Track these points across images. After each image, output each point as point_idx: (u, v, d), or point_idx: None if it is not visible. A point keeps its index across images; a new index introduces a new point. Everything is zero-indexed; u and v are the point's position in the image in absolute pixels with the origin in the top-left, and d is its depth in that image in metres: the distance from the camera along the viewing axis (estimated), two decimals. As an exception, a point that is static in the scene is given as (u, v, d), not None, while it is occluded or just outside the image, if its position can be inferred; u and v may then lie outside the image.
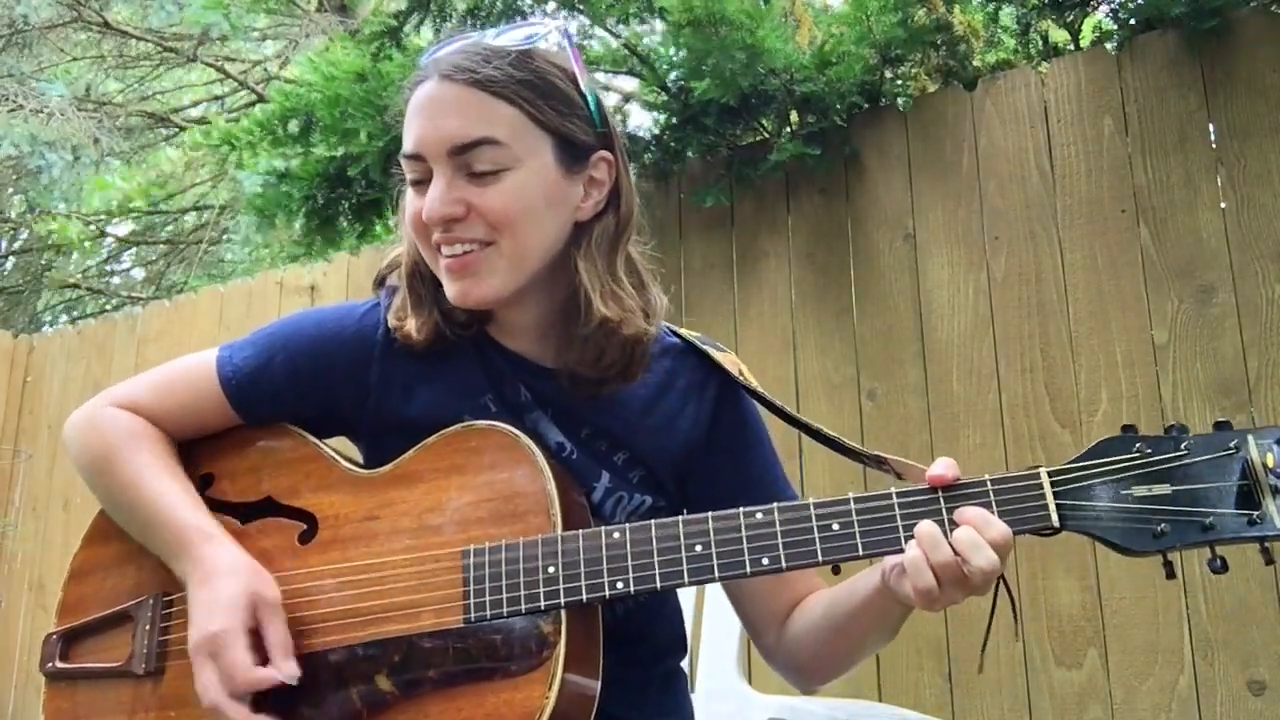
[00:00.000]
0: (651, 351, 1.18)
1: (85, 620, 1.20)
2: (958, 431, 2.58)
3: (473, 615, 1.03)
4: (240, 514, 1.19)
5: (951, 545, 0.95)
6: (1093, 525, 0.95)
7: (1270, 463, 0.92)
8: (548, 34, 1.14)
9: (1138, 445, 0.96)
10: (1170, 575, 0.95)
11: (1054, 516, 0.96)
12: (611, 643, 1.07)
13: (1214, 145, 2.45)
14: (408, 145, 1.12)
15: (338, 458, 1.19)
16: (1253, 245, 2.36)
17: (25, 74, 6.31)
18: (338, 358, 1.20)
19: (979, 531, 0.95)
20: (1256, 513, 0.91)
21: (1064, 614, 2.38)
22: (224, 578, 1.08)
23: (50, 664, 1.20)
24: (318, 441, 1.20)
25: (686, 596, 2.09)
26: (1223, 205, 2.41)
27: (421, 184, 1.12)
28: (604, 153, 1.17)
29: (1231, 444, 0.94)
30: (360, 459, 1.23)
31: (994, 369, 2.58)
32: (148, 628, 1.15)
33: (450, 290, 1.12)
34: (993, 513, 0.97)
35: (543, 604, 1.02)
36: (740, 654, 2.07)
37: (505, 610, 1.03)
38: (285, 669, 1.05)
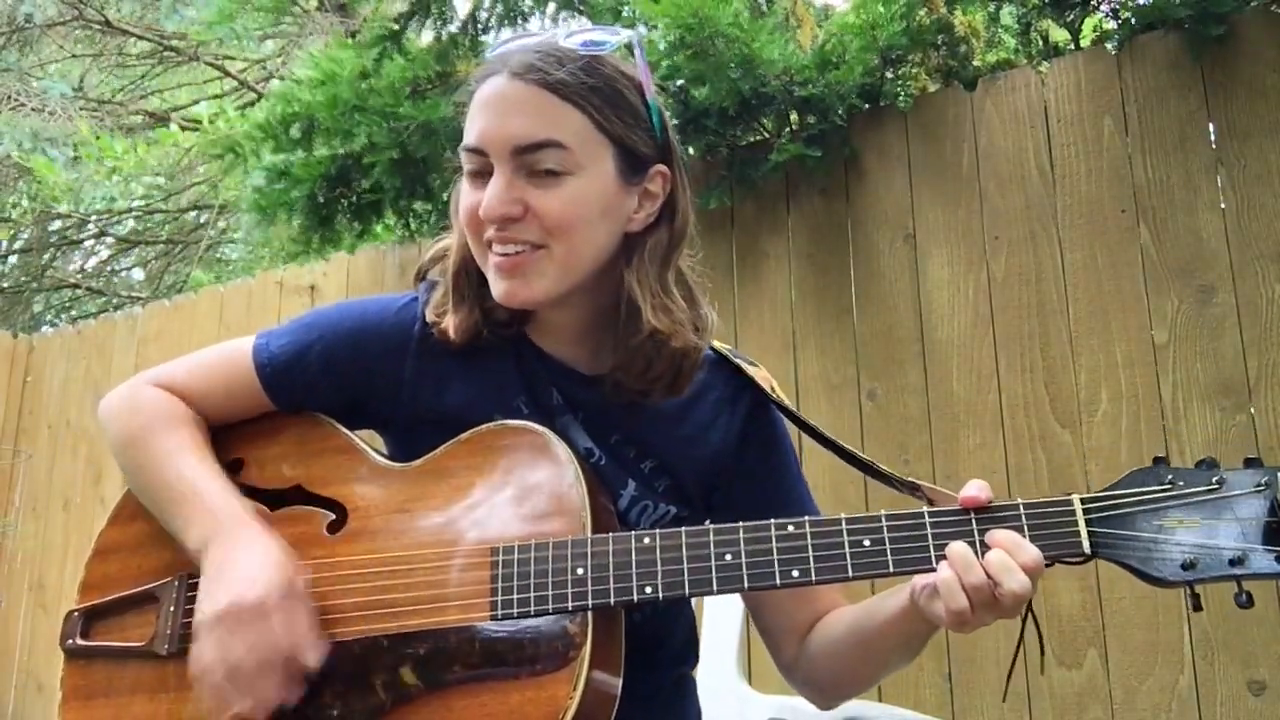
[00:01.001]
0: None
1: (108, 598, 1.19)
2: (958, 431, 2.58)
3: (499, 612, 1.03)
4: (269, 500, 1.18)
5: (983, 567, 0.95)
6: (1123, 554, 0.96)
7: None
8: (621, 41, 1.13)
9: (1170, 477, 0.97)
10: (1197, 608, 0.95)
11: (1085, 544, 0.96)
12: (629, 647, 1.07)
13: (1214, 145, 2.45)
14: (470, 138, 1.11)
15: (369, 450, 1.19)
16: (1253, 245, 2.36)
17: (25, 71, 6.31)
18: (374, 349, 1.20)
19: (1011, 555, 0.95)
20: None
21: (1064, 614, 2.38)
22: (260, 549, 1.08)
23: (71, 640, 1.18)
24: (349, 433, 1.20)
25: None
26: (1223, 205, 2.41)
27: (479, 177, 1.12)
28: (661, 166, 1.16)
29: (1262, 481, 0.95)
30: (386, 453, 1.23)
31: (994, 369, 2.58)
32: (172, 609, 1.15)
33: (497, 289, 1.12)
34: (1025, 537, 0.97)
35: (570, 605, 1.02)
36: (740, 654, 2.07)
37: (533, 609, 1.03)
38: (311, 655, 1.04)
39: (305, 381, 1.20)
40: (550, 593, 1.02)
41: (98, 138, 5.28)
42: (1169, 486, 0.97)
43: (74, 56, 6.91)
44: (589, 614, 1.02)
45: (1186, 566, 0.94)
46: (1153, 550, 0.95)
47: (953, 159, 2.74)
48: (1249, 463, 0.97)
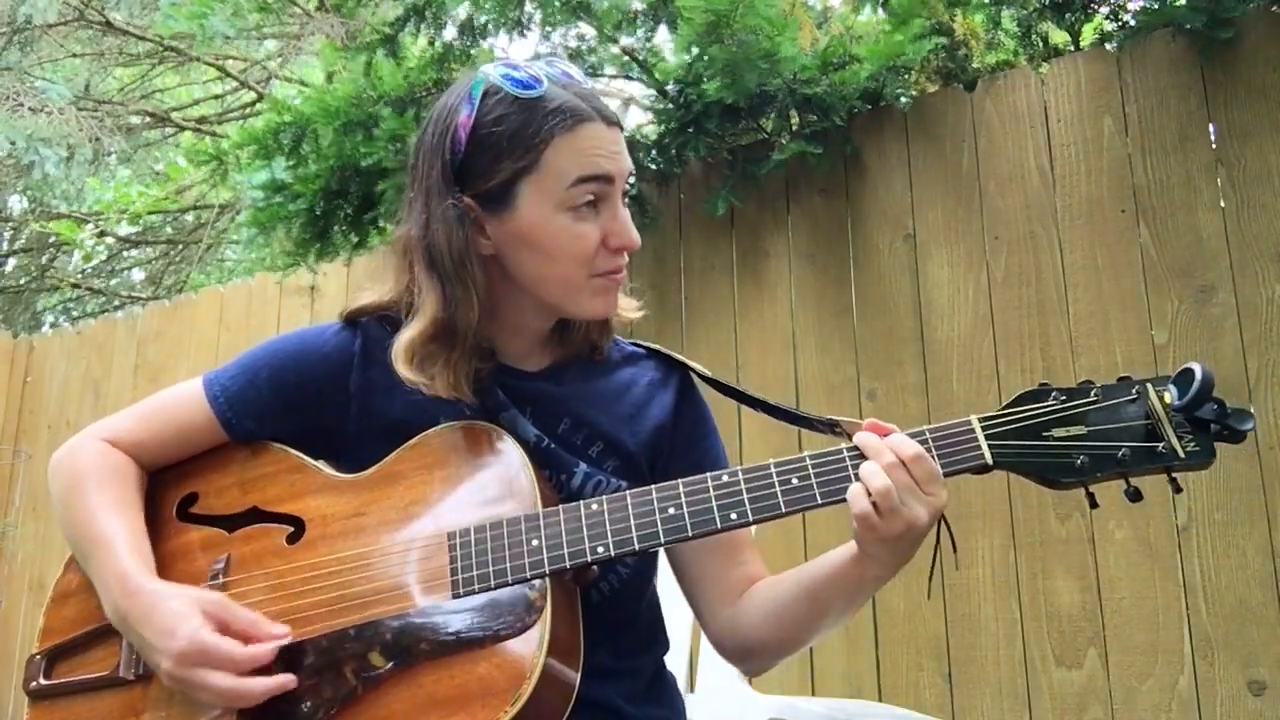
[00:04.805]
0: (612, 357, 1.33)
1: (69, 637, 1.22)
2: (958, 431, 2.58)
3: (461, 590, 1.08)
4: (226, 525, 1.22)
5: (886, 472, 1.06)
6: (1021, 462, 1.07)
7: (1168, 401, 1.05)
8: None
9: (1054, 394, 1.09)
10: (1093, 505, 1.08)
11: (987, 455, 1.07)
12: (596, 629, 1.12)
13: (1214, 145, 2.45)
14: (597, 169, 1.17)
15: (320, 466, 1.23)
16: (1253, 245, 2.36)
17: (25, 71, 6.30)
18: (319, 367, 1.26)
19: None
20: (1160, 445, 1.05)
21: (1064, 614, 2.38)
22: (167, 601, 1.11)
23: (35, 682, 1.21)
24: (299, 453, 1.25)
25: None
26: (1223, 205, 2.41)
27: (594, 206, 1.18)
28: None
29: (1134, 390, 1.07)
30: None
31: (994, 369, 2.58)
32: None
33: (604, 304, 1.22)
34: (932, 455, 1.07)
35: (528, 573, 1.07)
36: (740, 654, 2.08)
37: (493, 583, 1.08)
38: (274, 632, 1.09)
39: (259, 409, 1.25)
40: (508, 565, 1.08)
41: (107, 156, 5.26)
42: (1054, 402, 1.08)
43: (74, 56, 6.90)
44: (547, 581, 1.07)
45: (1080, 469, 1.05)
46: (1047, 457, 1.07)
47: (953, 159, 2.74)
48: (1121, 380, 1.09)
